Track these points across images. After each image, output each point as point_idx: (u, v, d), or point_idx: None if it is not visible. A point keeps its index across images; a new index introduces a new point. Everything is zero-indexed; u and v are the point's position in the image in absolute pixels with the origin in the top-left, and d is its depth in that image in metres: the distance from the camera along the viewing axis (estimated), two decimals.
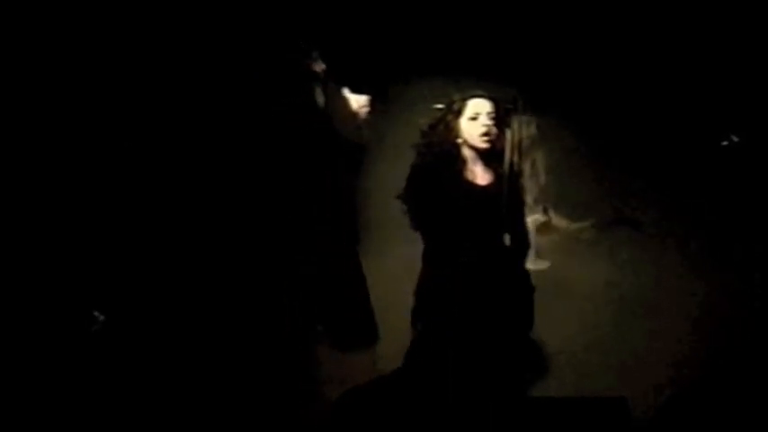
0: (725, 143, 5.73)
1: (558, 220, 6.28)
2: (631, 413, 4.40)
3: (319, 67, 5.39)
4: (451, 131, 4.47)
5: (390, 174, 4.75)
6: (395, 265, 4.84)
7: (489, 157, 4.48)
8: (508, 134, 4.35)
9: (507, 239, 4.38)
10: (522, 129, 4.47)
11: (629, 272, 5.89)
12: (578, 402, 4.52)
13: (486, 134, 4.41)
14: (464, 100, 4.49)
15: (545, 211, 6.24)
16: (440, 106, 4.58)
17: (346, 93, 5.35)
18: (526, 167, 5.25)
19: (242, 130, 5.40)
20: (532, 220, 6.01)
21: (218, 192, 5.38)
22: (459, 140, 4.47)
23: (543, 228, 6.16)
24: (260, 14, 5.40)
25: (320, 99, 5.35)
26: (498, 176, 4.43)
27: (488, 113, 4.44)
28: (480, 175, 4.49)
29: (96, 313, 4.94)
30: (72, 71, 5.20)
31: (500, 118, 4.41)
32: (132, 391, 4.81)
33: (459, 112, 4.47)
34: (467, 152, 4.49)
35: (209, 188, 5.38)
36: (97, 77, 5.24)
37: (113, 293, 5.17)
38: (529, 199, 4.70)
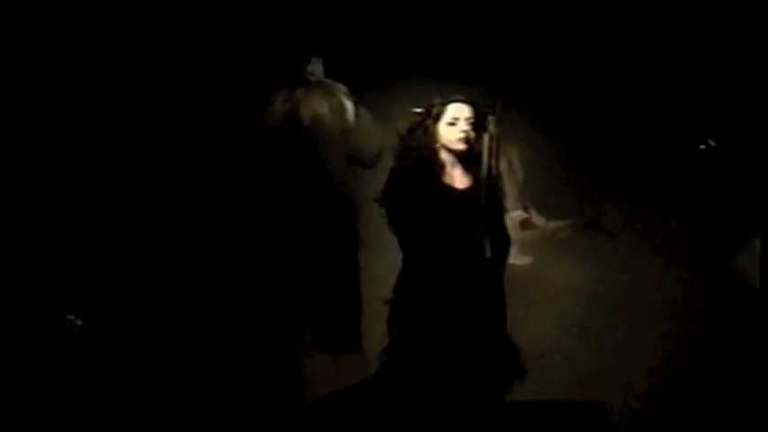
0: (702, 147, 5.74)
1: (537, 218, 6.32)
2: (609, 418, 4.40)
3: (314, 74, 5.56)
4: (430, 136, 4.47)
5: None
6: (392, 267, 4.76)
7: (467, 160, 4.48)
8: (486, 138, 4.35)
9: (487, 243, 4.37)
10: (497, 131, 4.43)
11: (605, 273, 5.90)
12: (556, 407, 4.51)
13: (463, 139, 4.43)
14: (443, 104, 4.48)
15: (525, 209, 6.27)
16: (418, 110, 4.56)
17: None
18: (503, 167, 5.23)
19: (244, 132, 5.52)
20: (515, 215, 6.06)
21: (217, 191, 5.44)
22: (438, 145, 4.47)
23: (524, 224, 6.20)
24: (256, 17, 5.52)
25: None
26: (476, 180, 4.42)
27: (467, 119, 4.44)
28: (458, 178, 4.49)
29: (73, 317, 4.94)
30: (70, 73, 5.28)
31: (479, 122, 4.41)
32: (126, 388, 4.87)
33: (438, 117, 4.47)
34: (445, 156, 4.48)
35: (208, 187, 5.44)
36: (96, 79, 5.33)
37: (109, 292, 5.22)
38: (510, 196, 4.69)
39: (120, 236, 5.30)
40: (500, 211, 4.54)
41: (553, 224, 6.25)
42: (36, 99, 5.16)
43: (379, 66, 5.88)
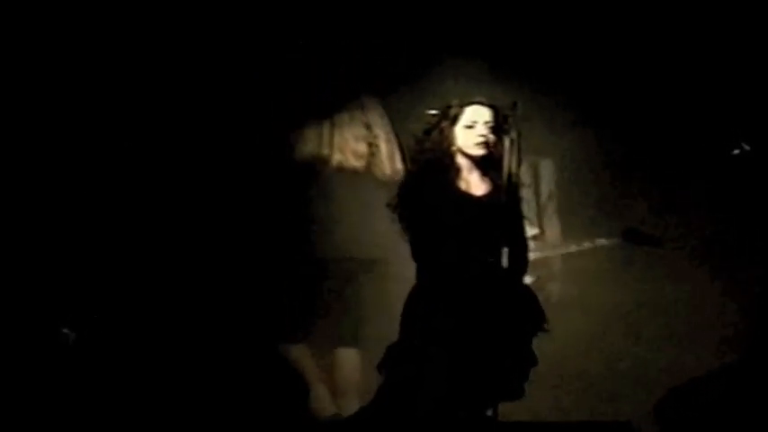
0: (736, 151, 5.50)
1: (554, 236, 5.97)
2: None
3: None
4: (446, 139, 4.28)
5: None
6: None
7: (486, 165, 4.30)
8: (506, 142, 4.13)
9: (504, 253, 4.14)
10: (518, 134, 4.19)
11: (642, 293, 5.65)
12: (582, 427, 4.40)
13: (481, 143, 4.23)
14: (461, 106, 4.30)
15: (539, 225, 5.96)
16: (434, 112, 4.37)
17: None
18: (526, 178, 4.97)
19: (244, 135, 5.50)
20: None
21: (217, 191, 5.44)
22: (454, 148, 4.29)
23: (532, 241, 5.84)
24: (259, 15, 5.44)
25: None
26: (495, 187, 4.24)
27: (486, 122, 4.26)
28: (475, 184, 4.31)
29: (67, 330, 4.90)
30: (71, 77, 5.24)
31: (498, 126, 4.21)
32: (122, 391, 4.89)
33: (455, 119, 4.29)
34: (461, 161, 4.30)
35: (207, 188, 5.43)
36: (96, 82, 5.29)
37: (106, 292, 5.19)
38: (529, 209, 4.45)
39: (119, 236, 5.28)
40: (519, 219, 4.35)
41: (575, 247, 5.90)
42: (37, 103, 5.17)
43: (404, 62, 5.76)
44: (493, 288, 4.12)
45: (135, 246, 5.29)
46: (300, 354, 5.57)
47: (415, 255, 4.24)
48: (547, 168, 5.94)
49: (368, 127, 5.85)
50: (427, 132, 4.30)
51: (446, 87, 5.06)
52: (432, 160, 4.26)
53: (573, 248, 5.89)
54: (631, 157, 5.78)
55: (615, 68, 5.74)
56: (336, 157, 5.72)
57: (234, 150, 5.43)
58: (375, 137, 5.81)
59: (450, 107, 4.30)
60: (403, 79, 5.67)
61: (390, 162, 5.78)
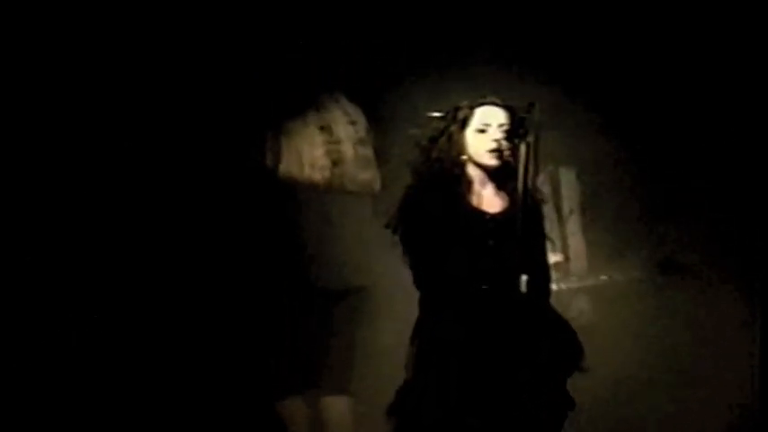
0: None
1: (579, 265, 5.31)
2: None
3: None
4: (454, 146, 3.76)
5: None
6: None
7: (501, 177, 3.77)
8: (522, 149, 3.56)
9: (522, 278, 3.58)
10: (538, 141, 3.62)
11: (672, 328, 5.14)
12: None
13: (495, 150, 3.71)
14: (471, 108, 3.78)
15: (562, 250, 5.25)
16: (438, 114, 3.87)
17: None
18: (547, 192, 4.37)
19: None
20: None
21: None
22: (464, 157, 3.76)
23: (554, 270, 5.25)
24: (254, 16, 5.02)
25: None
26: (513, 202, 3.68)
27: (500, 125, 3.73)
28: (489, 199, 3.78)
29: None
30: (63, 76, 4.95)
31: (514, 130, 3.65)
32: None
33: (464, 123, 3.76)
34: (473, 171, 3.77)
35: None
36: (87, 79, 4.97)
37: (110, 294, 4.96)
38: (547, 228, 3.90)
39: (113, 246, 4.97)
40: (541, 239, 3.81)
41: (602, 277, 5.23)
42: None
43: (388, 59, 5.07)
44: (515, 320, 3.56)
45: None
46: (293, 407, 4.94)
47: (419, 282, 3.71)
48: (568, 180, 5.29)
49: (325, 130, 5.06)
50: (433, 140, 3.78)
51: (451, 86, 4.44)
52: (438, 172, 3.74)
53: (602, 279, 5.23)
54: (667, 168, 5.20)
55: (647, 62, 5.17)
56: (285, 169, 4.99)
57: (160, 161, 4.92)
58: (337, 141, 5.03)
59: (458, 109, 3.78)
60: (399, 78, 5.04)
61: (362, 169, 5.01)
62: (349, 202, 4.93)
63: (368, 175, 4.98)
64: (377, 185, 4.95)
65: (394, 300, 4.20)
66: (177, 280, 4.91)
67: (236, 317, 4.96)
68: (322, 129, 4.99)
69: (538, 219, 3.75)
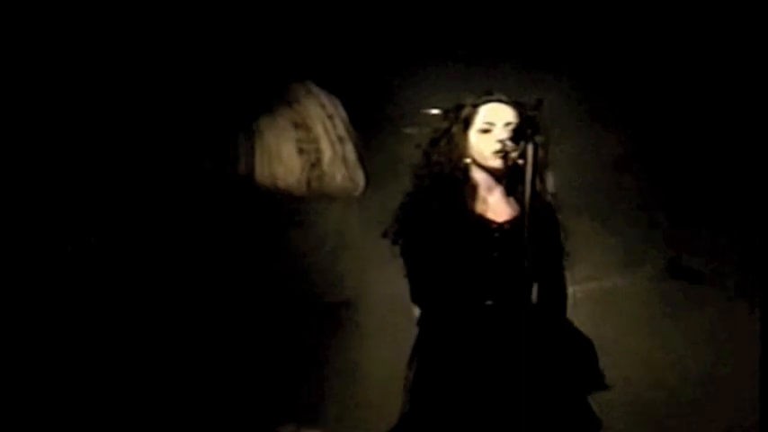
0: None
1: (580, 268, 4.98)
2: None
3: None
4: (456, 148, 3.46)
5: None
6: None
7: (509, 182, 3.47)
8: (530, 150, 3.24)
9: (533, 289, 3.34)
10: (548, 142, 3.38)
11: (683, 340, 4.84)
12: None
13: (500, 151, 3.39)
14: (475, 105, 3.48)
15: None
16: (436, 111, 3.60)
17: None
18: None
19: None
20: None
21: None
22: (468, 160, 3.46)
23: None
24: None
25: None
26: (523, 209, 3.32)
27: (506, 124, 3.42)
28: (496, 206, 3.47)
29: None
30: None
31: (522, 129, 3.36)
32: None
33: (467, 122, 3.46)
34: (478, 176, 3.47)
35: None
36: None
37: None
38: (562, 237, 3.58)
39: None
40: (557, 249, 3.49)
41: (606, 283, 4.93)
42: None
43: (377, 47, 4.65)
44: (525, 339, 3.18)
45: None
46: None
47: (418, 298, 3.42)
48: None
49: (300, 127, 4.67)
50: (434, 142, 3.48)
51: (452, 81, 4.13)
52: (439, 176, 3.44)
53: (606, 284, 4.92)
54: (675, 171, 4.89)
55: (656, 65, 4.84)
56: (262, 173, 4.62)
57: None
58: (313, 139, 4.64)
59: (460, 106, 3.48)
60: (391, 69, 4.64)
61: (343, 170, 4.62)
62: (330, 207, 4.54)
63: (350, 177, 4.57)
64: (360, 188, 4.55)
65: (383, 316, 3.92)
66: (142, 294, 4.60)
67: (196, 341, 4.60)
68: (296, 126, 4.59)
69: (550, 228, 3.44)
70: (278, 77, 4.69)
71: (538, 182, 3.30)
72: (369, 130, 4.63)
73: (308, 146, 4.61)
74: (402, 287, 3.42)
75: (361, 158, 4.62)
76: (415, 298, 3.40)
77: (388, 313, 3.69)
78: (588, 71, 4.74)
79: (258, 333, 4.50)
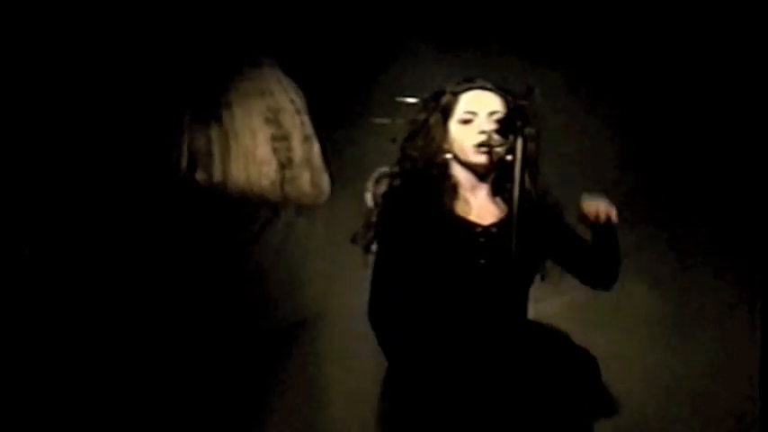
0: None
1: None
2: None
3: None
4: (433, 141, 3.11)
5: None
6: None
7: (496, 179, 3.12)
8: (519, 144, 2.89)
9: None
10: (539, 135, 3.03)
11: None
12: None
13: (483, 144, 3.04)
14: (455, 93, 3.12)
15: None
16: (411, 100, 3.37)
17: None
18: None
19: None
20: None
21: None
22: (448, 156, 3.11)
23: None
24: None
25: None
26: (510, 210, 2.98)
27: (491, 113, 3.07)
28: (480, 208, 3.12)
29: None
30: None
31: (510, 120, 2.98)
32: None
33: (447, 112, 3.11)
34: (460, 173, 3.12)
35: None
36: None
37: None
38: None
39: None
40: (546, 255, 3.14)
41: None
42: None
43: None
44: (517, 359, 2.85)
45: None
46: None
47: (382, 314, 3.03)
48: None
49: (272, 122, 4.17)
50: (411, 136, 3.13)
51: (429, 69, 3.74)
52: (414, 174, 3.09)
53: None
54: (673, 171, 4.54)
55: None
56: (234, 173, 4.17)
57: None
58: (285, 137, 4.08)
59: (439, 94, 3.13)
60: (365, 55, 4.20)
61: (310, 173, 4.18)
62: (296, 214, 4.11)
63: (315, 182, 4.11)
64: (325, 195, 4.07)
65: (346, 338, 3.51)
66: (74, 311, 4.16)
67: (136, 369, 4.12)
68: (268, 120, 4.13)
69: (544, 230, 3.09)
70: (247, 61, 4.20)
71: (528, 180, 2.97)
72: (333, 120, 4.18)
73: (279, 144, 4.17)
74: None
75: (327, 162, 4.13)
76: (378, 315, 3.00)
77: (352, 335, 3.26)
78: (585, 59, 4.39)
79: (203, 359, 4.10)
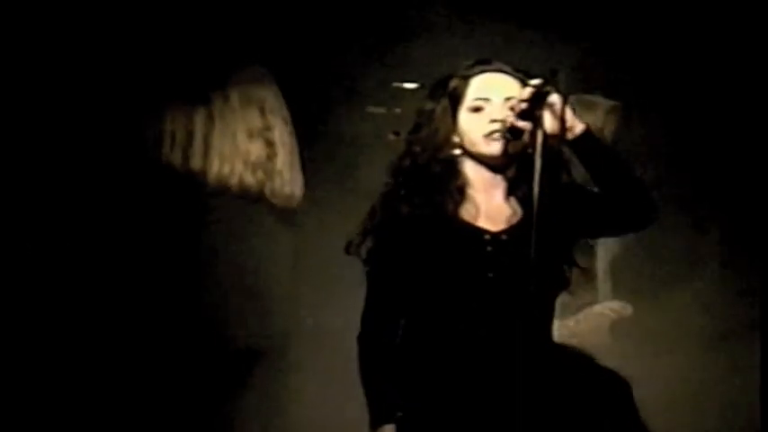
0: None
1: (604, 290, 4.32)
2: None
3: None
4: (438, 133, 2.75)
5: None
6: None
7: (512, 177, 2.76)
8: (539, 137, 2.57)
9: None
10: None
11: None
12: None
13: (498, 134, 2.68)
14: (465, 77, 2.75)
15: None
16: (410, 86, 3.18)
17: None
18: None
19: None
20: (596, 313, 3.99)
21: None
22: (457, 151, 2.73)
23: (617, 326, 4.16)
24: None
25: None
26: (527, 214, 2.69)
27: (506, 99, 2.70)
28: (491, 211, 2.75)
29: None
30: None
31: (530, 108, 2.61)
32: None
33: (456, 99, 2.74)
34: (470, 170, 2.74)
35: None
36: None
37: None
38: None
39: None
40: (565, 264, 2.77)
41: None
42: None
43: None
44: (534, 384, 2.52)
45: None
46: None
47: (374, 334, 2.73)
48: None
49: (263, 117, 4.05)
50: (416, 129, 2.77)
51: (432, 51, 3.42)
52: (419, 170, 2.72)
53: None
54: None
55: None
56: (219, 169, 3.90)
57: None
58: (269, 128, 4.00)
59: (448, 78, 2.77)
60: (355, 34, 3.93)
61: (290, 174, 3.99)
62: (273, 217, 3.85)
63: (295, 182, 3.86)
64: (297, 199, 3.89)
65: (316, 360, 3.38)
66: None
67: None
68: (262, 111, 3.87)
69: (566, 237, 2.72)
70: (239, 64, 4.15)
71: (548, 178, 2.57)
72: (316, 108, 3.89)
73: (266, 134, 3.99)
74: (344, 322, 2.84)
75: (303, 163, 3.92)
76: (369, 334, 2.69)
77: (323, 357, 3.03)
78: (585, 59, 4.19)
79: (165, 385, 3.87)
